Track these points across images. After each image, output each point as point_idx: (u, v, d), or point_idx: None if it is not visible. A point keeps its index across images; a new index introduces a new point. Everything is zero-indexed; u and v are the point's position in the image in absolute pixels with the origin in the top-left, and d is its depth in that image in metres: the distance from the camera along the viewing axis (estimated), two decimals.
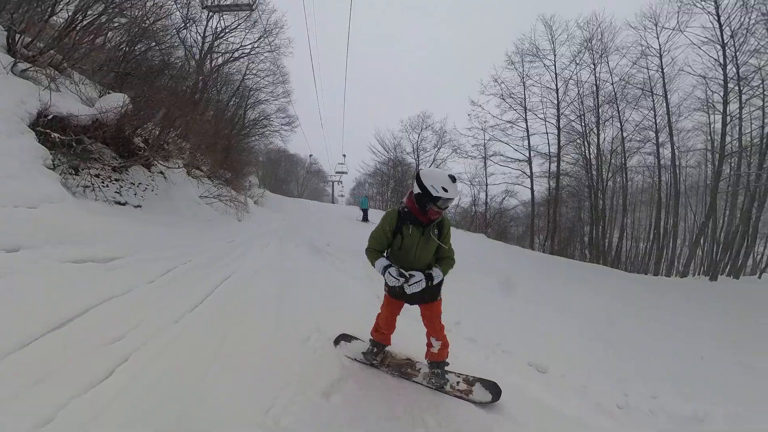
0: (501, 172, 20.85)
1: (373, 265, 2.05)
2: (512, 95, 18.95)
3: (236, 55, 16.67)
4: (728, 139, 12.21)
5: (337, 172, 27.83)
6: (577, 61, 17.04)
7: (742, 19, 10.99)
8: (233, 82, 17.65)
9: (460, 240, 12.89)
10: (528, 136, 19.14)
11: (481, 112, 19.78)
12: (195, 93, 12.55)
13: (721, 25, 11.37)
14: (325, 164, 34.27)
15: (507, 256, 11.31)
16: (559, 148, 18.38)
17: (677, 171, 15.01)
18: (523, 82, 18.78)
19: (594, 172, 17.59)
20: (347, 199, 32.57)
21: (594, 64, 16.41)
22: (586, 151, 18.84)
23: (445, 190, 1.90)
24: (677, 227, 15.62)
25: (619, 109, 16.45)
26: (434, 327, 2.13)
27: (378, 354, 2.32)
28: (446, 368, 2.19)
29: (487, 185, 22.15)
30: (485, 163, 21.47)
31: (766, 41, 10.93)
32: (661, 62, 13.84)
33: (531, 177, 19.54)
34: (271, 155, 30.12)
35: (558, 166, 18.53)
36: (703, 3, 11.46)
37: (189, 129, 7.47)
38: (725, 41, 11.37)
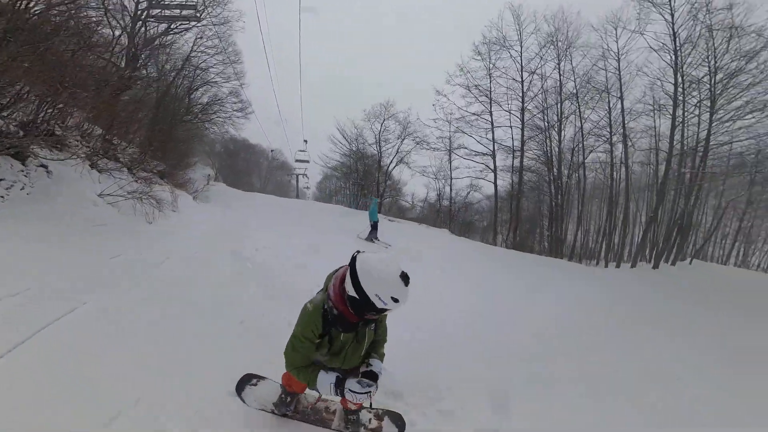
0: (466, 166, 20.89)
1: (312, 385, 1.62)
2: (478, 86, 18.74)
3: (175, 26, 14.34)
4: (677, 138, 13.39)
5: (297, 161, 24.77)
6: (542, 55, 17.48)
7: (691, 32, 11.97)
8: (177, 59, 15.28)
9: (422, 236, 11.85)
10: (492, 128, 19.22)
11: (447, 102, 19.32)
12: (123, 68, 10.48)
13: (675, 32, 12.28)
14: (289, 156, 31.67)
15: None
16: (523, 141, 18.73)
17: (628, 169, 16.27)
18: (489, 74, 18.65)
19: (555, 168, 18.41)
20: (314, 194, 30.15)
21: (558, 60, 16.91)
22: (548, 147, 19.65)
23: (396, 301, 1.41)
24: (627, 221, 17.09)
25: (580, 107, 17.26)
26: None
27: (291, 403, 2.10)
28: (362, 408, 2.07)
29: (451, 179, 21.87)
30: (450, 157, 21.16)
31: (704, 55, 12.08)
32: (619, 65, 14.74)
33: (495, 171, 19.68)
34: (228, 145, 27.22)
35: (521, 160, 18.92)
36: (660, 9, 12.26)
37: (101, 110, 5.97)
38: (678, 48, 12.33)
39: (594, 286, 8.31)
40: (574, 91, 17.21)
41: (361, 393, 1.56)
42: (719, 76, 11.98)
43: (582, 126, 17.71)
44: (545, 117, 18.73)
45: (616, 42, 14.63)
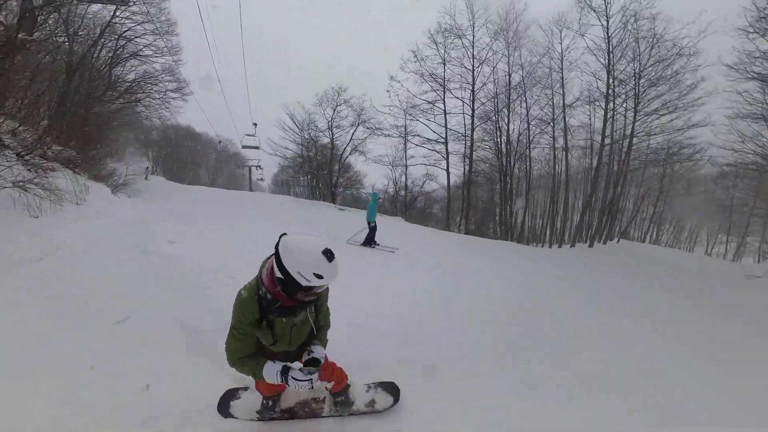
0: (422, 155, 21.10)
1: (259, 375, 1.63)
2: (433, 75, 18.80)
3: None
4: (607, 133, 15.18)
5: (245, 147, 21.61)
6: (491, 45, 18.07)
7: (621, 38, 13.53)
8: (94, 24, 12.87)
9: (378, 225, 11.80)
10: (445, 116, 19.29)
11: (401, 89, 19.23)
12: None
13: (609, 37, 13.76)
14: (239, 144, 28.61)
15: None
16: (473, 128, 19.18)
17: (568, 161, 18.08)
18: (444, 62, 18.74)
19: (504, 158, 19.58)
20: (269, 187, 27.90)
21: (508, 53, 17.84)
22: (497, 138, 20.66)
23: (320, 277, 1.43)
24: (567, 207, 19.13)
25: (527, 101, 18.54)
26: (325, 374, 1.87)
27: (275, 406, 2.08)
28: (349, 388, 2.14)
29: (406, 167, 21.85)
30: (405, 145, 21.11)
31: (631, 60, 13.84)
32: (562, 64, 16.05)
33: (447, 159, 19.87)
34: (168, 133, 23.92)
35: (471, 147, 19.41)
36: (598, 15, 13.61)
37: None
38: (610, 50, 13.86)
39: (543, 262, 9.77)
40: (522, 84, 18.21)
41: (303, 380, 1.60)
42: (642, 81, 13.87)
43: (528, 119, 19.02)
44: (495, 107, 19.64)
45: (560, 43, 15.91)
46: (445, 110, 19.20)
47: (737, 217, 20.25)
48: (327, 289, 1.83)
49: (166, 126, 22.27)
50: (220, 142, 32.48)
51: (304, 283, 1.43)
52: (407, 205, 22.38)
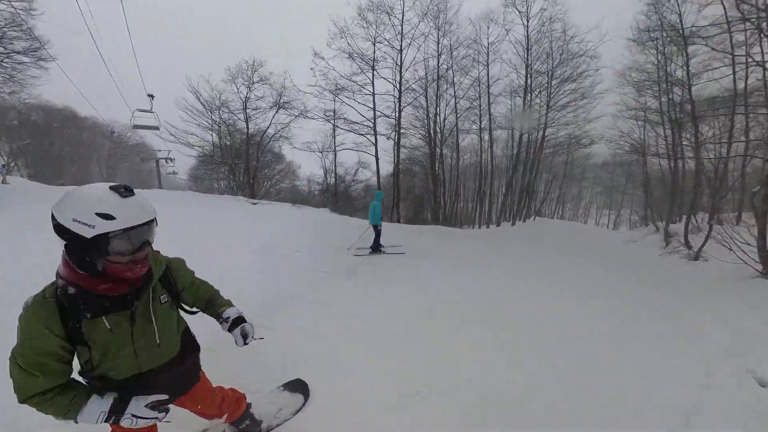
0: (353, 141, 19.73)
1: (74, 418, 1.09)
2: (362, 56, 17.24)
3: None
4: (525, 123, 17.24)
5: (137, 126, 15.12)
6: (422, 30, 17.27)
7: (538, 37, 15.40)
8: None
9: (290, 217, 10.99)
10: (374, 98, 17.87)
11: (327, 67, 17.41)
12: None
13: (528, 35, 15.52)
14: (150, 137, 21.87)
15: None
16: (399, 111, 18.09)
17: (493, 150, 20.06)
18: (374, 42, 17.27)
19: (435, 146, 19.82)
20: (186, 183, 22.84)
21: (438, 38, 17.60)
22: (428, 126, 21.26)
23: (108, 217, 1.01)
24: (492, 189, 21.33)
25: (455, 89, 18.94)
26: (211, 410, 1.62)
27: None
28: (250, 407, 1.90)
29: (335, 153, 20.38)
30: (334, 130, 19.49)
31: (545, 59, 15.89)
32: (488, 58, 17.41)
33: (375, 145, 18.46)
34: (35, 117, 18.05)
35: (398, 131, 18.28)
36: (522, 15, 15.21)
37: None
38: (529, 47, 15.67)
39: (479, 240, 11.52)
40: (450, 72, 18.25)
41: (147, 418, 1.15)
42: (554, 81, 16.11)
43: (456, 107, 19.49)
44: (426, 94, 18.92)
45: (488, 38, 17.19)
46: (373, 92, 17.89)
47: (616, 196, 26.04)
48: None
49: (28, 107, 16.96)
50: (113, 132, 26.26)
51: (88, 233, 0.99)
52: (335, 194, 21.01)
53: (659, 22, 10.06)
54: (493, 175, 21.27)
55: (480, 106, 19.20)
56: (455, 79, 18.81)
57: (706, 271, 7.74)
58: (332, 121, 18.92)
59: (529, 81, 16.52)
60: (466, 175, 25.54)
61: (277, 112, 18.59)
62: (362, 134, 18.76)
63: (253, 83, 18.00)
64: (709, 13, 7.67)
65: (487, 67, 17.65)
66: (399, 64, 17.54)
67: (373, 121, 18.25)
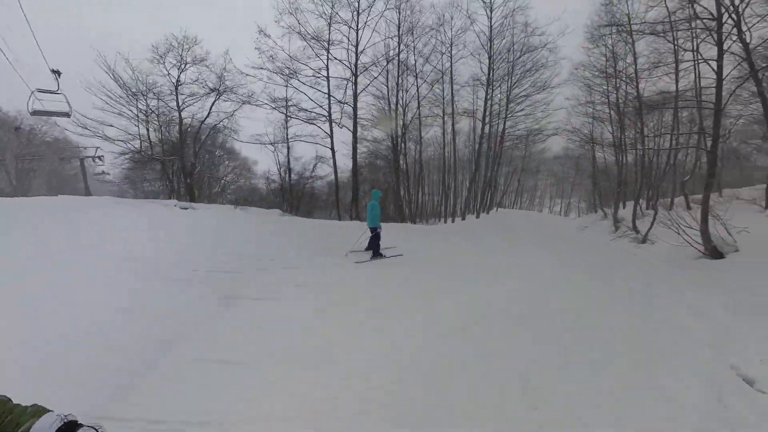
0: (309, 133, 17.99)
1: None
2: (316, 37, 15.51)
3: None
4: (486, 120, 17.76)
5: (37, 113, 9.80)
6: (382, 10, 16.09)
7: (501, 29, 15.84)
8: None
9: (224, 220, 9.98)
10: (328, 82, 16.25)
11: (275, 47, 15.45)
12: None
13: (491, 26, 15.95)
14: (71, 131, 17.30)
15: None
16: (356, 97, 16.50)
17: (455, 144, 20.44)
18: (330, 23, 15.62)
19: (397, 136, 18.95)
20: (118, 189, 18.70)
21: (399, 25, 16.55)
22: (395, 122, 21.06)
23: None
24: (456, 183, 21.84)
25: (417, 80, 18.25)
26: None
27: None
28: None
29: (288, 147, 18.46)
30: (286, 121, 17.56)
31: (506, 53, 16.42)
32: (451, 47, 17.40)
33: (331, 136, 16.92)
34: None
35: (355, 118, 16.69)
36: (485, 6, 15.52)
37: None
38: (491, 39, 16.08)
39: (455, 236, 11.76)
40: (413, 59, 17.52)
41: None
42: (515, 73, 16.73)
43: (419, 97, 18.92)
44: (387, 83, 18.00)
45: (452, 28, 17.16)
46: (328, 76, 16.11)
47: (566, 186, 28.32)
48: None
49: None
50: (18, 127, 21.99)
51: None
52: (291, 192, 18.76)
53: (610, 21, 10.85)
54: (456, 168, 21.78)
55: (443, 97, 19.02)
56: (417, 68, 18.02)
57: (656, 253, 8.51)
58: (283, 110, 16.89)
59: (491, 73, 16.89)
60: (430, 167, 25.91)
61: (217, 99, 16.04)
62: (314, 123, 16.89)
63: (186, 64, 15.24)
64: (655, 14, 8.35)
65: (450, 56, 17.61)
66: (355, 45, 15.95)
67: (327, 109, 16.60)
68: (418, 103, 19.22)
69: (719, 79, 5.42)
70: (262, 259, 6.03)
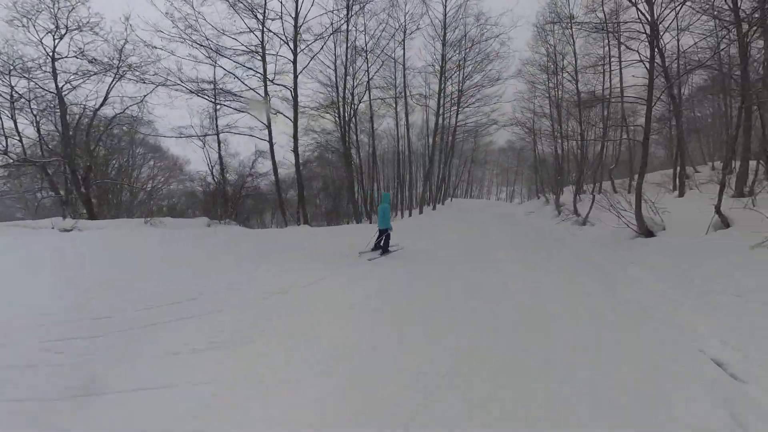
0: (249, 124, 16.65)
1: None
2: (247, 4, 13.39)
3: None
4: (440, 113, 18.21)
5: None
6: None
7: (453, 20, 16.13)
8: None
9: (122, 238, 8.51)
10: (264, 61, 14.00)
11: (195, 14, 12.59)
12: None
13: (445, 14, 16.14)
14: None
15: None
16: (296, 76, 14.37)
17: (409, 135, 20.68)
18: None
19: (346, 124, 17.78)
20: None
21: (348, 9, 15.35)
22: (341, 111, 20.13)
23: None
24: (412, 177, 22.25)
25: (369, 66, 17.27)
26: None
27: None
28: None
29: (219, 142, 15.42)
30: (216, 110, 14.79)
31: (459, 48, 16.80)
32: (405, 34, 17.05)
33: (269, 126, 14.57)
34: None
35: (295, 99, 14.63)
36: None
37: None
38: (445, 29, 16.31)
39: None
40: (364, 41, 16.41)
41: None
42: (467, 65, 17.22)
43: (369, 86, 17.95)
44: (335, 69, 16.61)
45: (404, 13, 16.79)
46: (264, 55, 13.76)
47: (510, 175, 30.82)
48: None
49: None
50: None
51: None
52: (224, 195, 15.30)
53: (553, 19, 11.75)
54: (411, 161, 22.12)
55: (396, 86, 18.52)
56: (368, 53, 16.85)
57: (596, 234, 9.55)
58: (209, 96, 14.04)
59: (444, 63, 17.08)
60: (384, 161, 25.99)
61: (117, 79, 12.44)
62: (248, 112, 14.38)
63: (66, 30, 11.28)
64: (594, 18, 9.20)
65: (404, 44, 17.22)
66: (294, 16, 14.03)
67: (264, 94, 14.25)
68: (369, 89, 18.14)
69: (650, 79, 6.18)
70: (156, 304, 3.96)
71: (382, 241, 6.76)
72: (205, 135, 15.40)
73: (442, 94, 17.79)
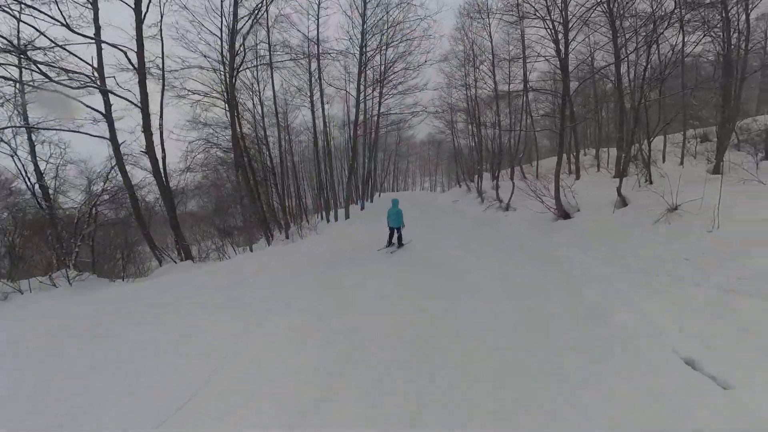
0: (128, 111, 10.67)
1: None
2: None
3: None
4: (361, 108, 17.55)
5: None
6: None
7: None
8: None
9: None
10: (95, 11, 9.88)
11: None
12: None
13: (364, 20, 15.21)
14: None
15: None
16: (141, 42, 10.42)
17: (329, 134, 19.60)
18: None
19: (235, 111, 15.75)
20: None
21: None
22: (253, 107, 17.99)
23: None
24: (332, 175, 21.31)
25: (271, 62, 15.12)
26: None
27: None
28: None
29: (32, 142, 10.26)
30: (22, 91, 9.61)
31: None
32: (318, 10, 15.46)
33: (107, 112, 9.97)
34: None
35: (141, 73, 10.47)
36: None
37: None
38: (365, 16, 15.36)
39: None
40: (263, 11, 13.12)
41: None
42: (389, 51, 16.35)
43: (274, 92, 16.32)
44: (221, 42, 13.40)
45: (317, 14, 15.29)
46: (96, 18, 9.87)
47: (431, 166, 32.43)
48: None
49: None
50: None
51: None
52: (52, 224, 10.04)
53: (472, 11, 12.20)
54: (333, 157, 21.12)
55: (310, 70, 16.66)
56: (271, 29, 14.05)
57: (522, 218, 10.50)
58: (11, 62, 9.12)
59: (364, 47, 15.83)
60: (304, 158, 24.25)
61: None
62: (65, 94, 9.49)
63: None
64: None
65: (317, 21, 15.48)
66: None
67: (97, 63, 10.01)
68: (273, 92, 16.15)
69: (565, 73, 6.83)
70: None
71: (396, 237, 8.07)
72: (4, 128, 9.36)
73: (362, 77, 16.57)
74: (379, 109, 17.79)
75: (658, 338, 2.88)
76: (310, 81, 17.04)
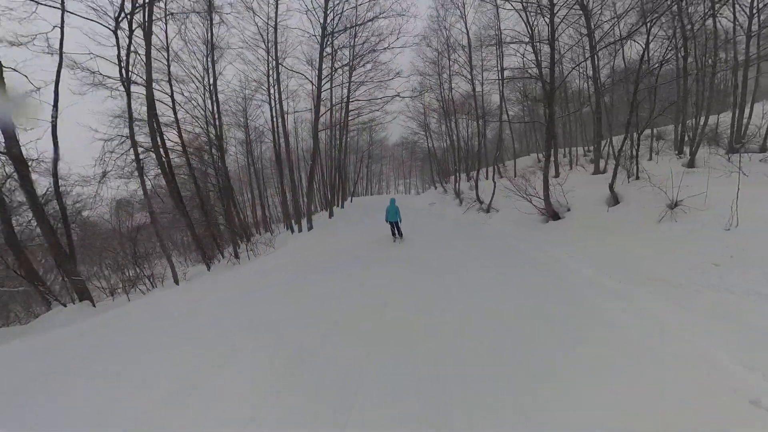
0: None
1: None
2: None
3: None
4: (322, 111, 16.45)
5: None
6: None
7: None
8: None
9: None
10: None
11: None
12: None
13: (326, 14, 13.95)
14: None
15: None
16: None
17: (287, 137, 18.27)
18: None
19: (218, 137, 14.75)
20: None
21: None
22: (205, 105, 16.16)
23: None
24: (295, 179, 20.04)
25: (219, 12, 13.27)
26: None
27: None
28: None
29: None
30: None
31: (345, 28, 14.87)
32: (276, 23, 14.39)
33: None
34: None
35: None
36: None
37: None
38: (326, 10, 13.99)
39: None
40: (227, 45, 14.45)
41: None
42: (357, 44, 15.18)
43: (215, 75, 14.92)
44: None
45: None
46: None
47: (405, 168, 31.87)
48: None
49: None
50: None
51: None
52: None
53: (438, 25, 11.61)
54: (299, 162, 19.88)
55: (269, 62, 14.87)
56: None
57: (506, 219, 9.97)
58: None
59: (329, 36, 14.51)
60: (263, 163, 22.55)
61: None
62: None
63: None
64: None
65: (276, 31, 14.20)
66: None
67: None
68: (213, 84, 14.89)
69: (552, 63, 6.36)
70: None
71: (396, 229, 9.30)
72: None
73: (328, 58, 15.13)
74: (348, 95, 16.38)
75: (727, 379, 2.19)
76: (268, 65, 15.25)
